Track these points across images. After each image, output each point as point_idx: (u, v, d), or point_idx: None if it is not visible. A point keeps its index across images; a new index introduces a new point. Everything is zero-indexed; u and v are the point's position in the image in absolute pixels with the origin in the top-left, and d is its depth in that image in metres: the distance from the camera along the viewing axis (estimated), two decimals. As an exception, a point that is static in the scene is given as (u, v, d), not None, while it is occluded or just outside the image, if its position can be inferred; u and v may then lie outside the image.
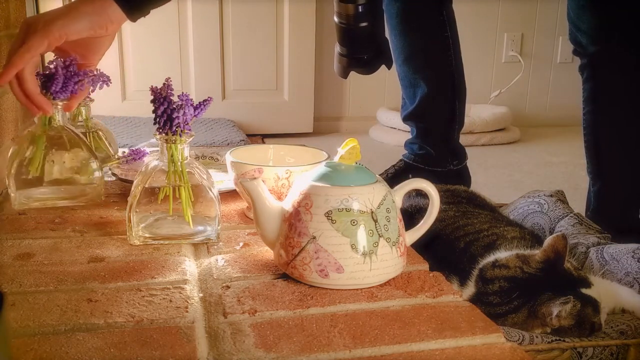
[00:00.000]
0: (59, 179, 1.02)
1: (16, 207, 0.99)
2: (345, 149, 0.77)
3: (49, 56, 0.99)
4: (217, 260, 0.82)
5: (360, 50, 1.49)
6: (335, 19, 1.45)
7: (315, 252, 0.72)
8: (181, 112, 0.82)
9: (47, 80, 0.95)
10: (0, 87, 0.88)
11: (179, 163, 0.84)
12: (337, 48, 1.52)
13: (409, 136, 1.64)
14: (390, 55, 1.54)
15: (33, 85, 0.90)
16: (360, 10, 1.40)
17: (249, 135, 2.40)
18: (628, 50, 1.33)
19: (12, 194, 0.99)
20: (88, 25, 0.88)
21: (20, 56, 0.85)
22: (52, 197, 1.02)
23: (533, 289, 0.91)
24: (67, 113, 1.03)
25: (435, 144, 1.57)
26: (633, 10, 1.31)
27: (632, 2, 1.31)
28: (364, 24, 1.42)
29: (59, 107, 0.98)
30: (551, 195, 1.30)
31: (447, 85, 1.54)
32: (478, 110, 2.81)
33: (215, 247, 0.86)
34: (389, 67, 1.56)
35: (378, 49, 1.50)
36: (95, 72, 1.00)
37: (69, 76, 0.95)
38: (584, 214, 1.35)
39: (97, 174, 1.03)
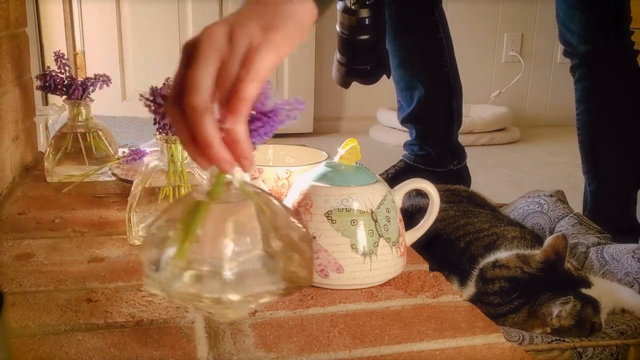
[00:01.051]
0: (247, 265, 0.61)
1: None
2: (345, 149, 0.77)
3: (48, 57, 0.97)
4: (217, 260, 0.82)
5: (362, 61, 1.49)
6: (338, 28, 1.44)
7: (315, 252, 0.72)
8: (181, 112, 0.81)
9: None
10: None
11: (179, 163, 0.84)
12: (337, 56, 1.52)
13: (408, 136, 1.64)
14: (389, 64, 1.54)
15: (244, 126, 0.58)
16: (366, 22, 1.40)
17: (249, 135, 2.40)
18: (625, 49, 1.34)
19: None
20: (299, 33, 0.61)
21: (251, 83, 0.55)
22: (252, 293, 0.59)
23: (533, 289, 0.91)
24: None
25: (435, 144, 1.57)
26: (623, 9, 1.32)
27: (622, 0, 1.31)
28: (365, 37, 1.42)
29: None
30: (551, 195, 1.30)
31: (444, 86, 1.55)
32: (478, 110, 2.81)
33: (215, 247, 0.86)
34: (389, 76, 1.56)
35: (379, 60, 1.50)
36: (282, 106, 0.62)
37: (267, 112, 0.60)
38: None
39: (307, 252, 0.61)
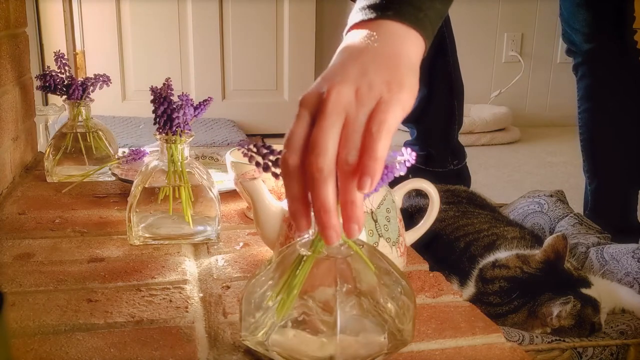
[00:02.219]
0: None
1: None
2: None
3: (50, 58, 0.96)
4: (217, 260, 0.82)
5: None
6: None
7: (316, 252, 0.72)
8: (181, 112, 0.82)
9: None
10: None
11: (179, 163, 0.85)
12: None
13: (408, 136, 1.64)
14: None
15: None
16: None
17: (249, 135, 2.40)
18: (628, 48, 1.34)
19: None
20: (417, 79, 0.58)
21: (384, 141, 0.51)
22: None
23: (533, 289, 0.91)
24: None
25: (436, 144, 1.58)
26: (626, 8, 1.32)
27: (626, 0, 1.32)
28: None
29: None
30: (551, 195, 1.30)
31: (445, 85, 1.55)
32: (478, 110, 2.81)
33: (215, 247, 0.86)
34: None
35: None
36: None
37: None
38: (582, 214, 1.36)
39: (410, 307, 0.58)
